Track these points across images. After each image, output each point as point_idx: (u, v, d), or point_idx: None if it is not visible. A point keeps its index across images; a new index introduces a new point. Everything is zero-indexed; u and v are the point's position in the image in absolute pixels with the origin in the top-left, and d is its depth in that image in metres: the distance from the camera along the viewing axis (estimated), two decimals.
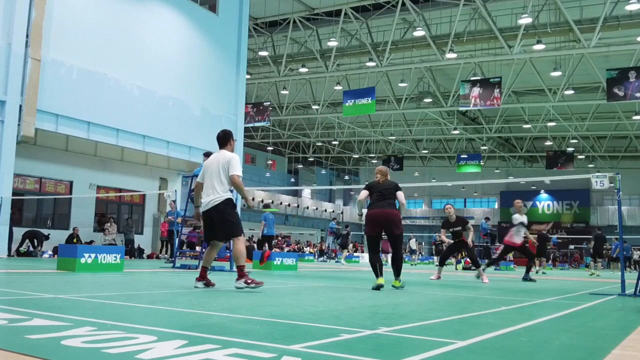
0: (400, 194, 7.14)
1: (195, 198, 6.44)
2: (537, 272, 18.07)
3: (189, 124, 20.43)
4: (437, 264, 11.83)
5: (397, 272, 7.22)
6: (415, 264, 29.30)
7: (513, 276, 15.29)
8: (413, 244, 31.93)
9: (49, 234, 17.46)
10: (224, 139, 6.32)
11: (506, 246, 12.05)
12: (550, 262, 24.41)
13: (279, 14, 26.86)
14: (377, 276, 6.92)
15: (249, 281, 5.82)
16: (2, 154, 15.00)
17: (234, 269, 11.07)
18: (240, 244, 6.02)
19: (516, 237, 11.67)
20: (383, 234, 7.25)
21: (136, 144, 18.81)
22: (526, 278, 11.29)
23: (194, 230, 13.86)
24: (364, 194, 7.24)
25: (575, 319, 4.58)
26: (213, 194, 6.02)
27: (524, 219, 11.73)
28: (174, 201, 16.30)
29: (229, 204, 6.04)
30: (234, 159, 6.08)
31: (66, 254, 9.04)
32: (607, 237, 21.35)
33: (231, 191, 6.20)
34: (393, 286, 7.12)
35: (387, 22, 25.97)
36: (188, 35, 20.95)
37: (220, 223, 6.04)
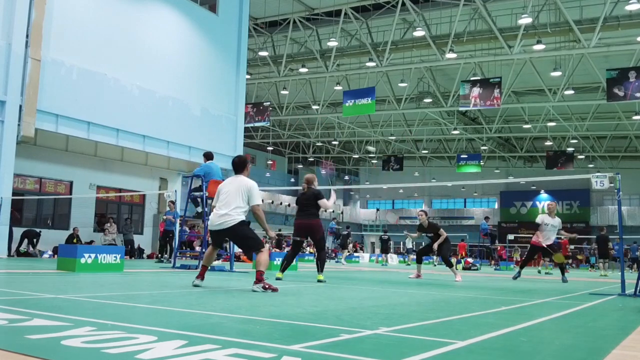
0: (321, 202, 8.44)
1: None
2: (539, 272, 18.11)
3: (189, 124, 20.43)
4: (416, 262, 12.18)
5: (321, 268, 8.60)
6: (410, 264, 29.33)
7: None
8: (409, 242, 31.90)
9: (40, 231, 17.40)
10: (241, 165, 6.41)
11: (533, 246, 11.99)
12: (551, 262, 24.40)
13: (279, 14, 26.85)
14: (281, 270, 8.48)
15: (267, 286, 5.95)
16: (2, 154, 14.99)
17: (234, 269, 11.09)
18: (264, 254, 6.16)
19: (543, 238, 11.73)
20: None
21: (136, 144, 18.81)
22: (564, 280, 11.53)
23: (192, 230, 13.89)
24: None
25: (575, 319, 4.58)
26: (226, 215, 6.09)
27: (554, 221, 11.68)
28: (173, 202, 16.31)
29: (243, 224, 6.16)
30: (254, 189, 6.18)
31: (66, 254, 9.04)
32: (611, 237, 21.31)
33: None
34: (318, 280, 8.29)
35: (387, 22, 25.96)
36: (188, 35, 20.95)
37: (242, 242, 6.44)
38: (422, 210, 11.84)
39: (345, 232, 25.60)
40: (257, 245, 6.17)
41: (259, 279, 6.02)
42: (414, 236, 12.16)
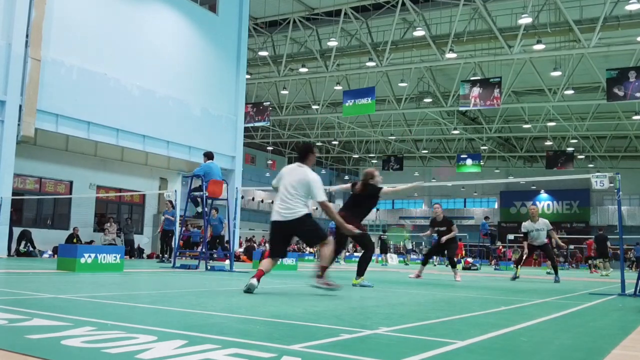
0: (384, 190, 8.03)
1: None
2: (548, 273, 18.07)
3: (189, 124, 20.44)
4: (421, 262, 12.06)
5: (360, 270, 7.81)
6: (409, 263, 29.37)
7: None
8: (408, 243, 32.01)
9: (29, 231, 17.37)
10: (303, 152, 6.06)
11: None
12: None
13: (279, 14, 26.85)
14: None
15: (330, 283, 5.80)
16: (2, 154, 15.00)
17: (234, 269, 11.08)
18: (327, 248, 5.86)
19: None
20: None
21: (136, 144, 18.81)
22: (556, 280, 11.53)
23: (188, 230, 13.86)
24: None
25: (575, 319, 4.58)
26: (290, 207, 5.72)
27: (538, 225, 11.80)
28: (171, 201, 16.33)
29: (309, 215, 5.79)
30: (316, 183, 5.74)
31: (66, 254, 9.04)
32: (611, 237, 21.32)
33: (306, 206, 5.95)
34: (354, 284, 7.65)
35: (387, 22, 25.96)
36: (188, 35, 20.95)
37: (305, 234, 5.97)
38: (438, 203, 11.71)
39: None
40: (321, 236, 5.86)
41: (321, 275, 5.79)
42: (427, 234, 11.91)
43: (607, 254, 19.96)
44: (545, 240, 11.85)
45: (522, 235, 12.20)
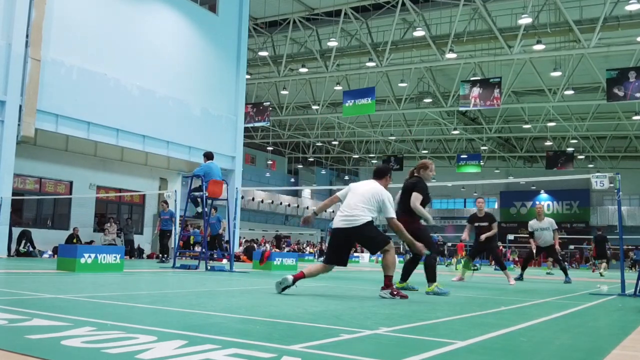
0: (413, 196, 6.85)
1: (322, 207, 6.40)
2: (547, 273, 18.10)
3: (189, 124, 20.44)
4: (462, 265, 11.33)
5: (428, 277, 6.78)
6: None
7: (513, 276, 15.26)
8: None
9: (29, 231, 17.39)
10: (381, 174, 6.03)
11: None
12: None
13: (279, 14, 26.85)
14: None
15: (395, 293, 5.65)
16: (2, 154, 15.00)
17: (234, 269, 11.08)
18: (389, 255, 5.76)
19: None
20: None
21: (136, 144, 18.81)
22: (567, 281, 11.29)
23: (186, 229, 13.86)
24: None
25: (575, 319, 4.58)
26: (353, 215, 5.68)
27: (543, 224, 11.68)
28: (165, 202, 16.37)
29: (370, 223, 5.73)
30: (389, 200, 5.73)
31: (66, 254, 9.04)
32: (610, 237, 21.31)
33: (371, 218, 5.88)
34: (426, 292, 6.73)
35: (387, 22, 25.96)
36: (188, 35, 20.95)
37: (366, 242, 5.91)
38: (481, 198, 11.13)
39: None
40: (382, 243, 5.71)
41: (387, 284, 5.67)
42: (466, 235, 10.94)
43: (606, 254, 19.97)
44: (551, 241, 11.60)
45: (528, 234, 11.94)
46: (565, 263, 22.17)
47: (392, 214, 5.74)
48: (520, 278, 11.60)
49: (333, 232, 5.86)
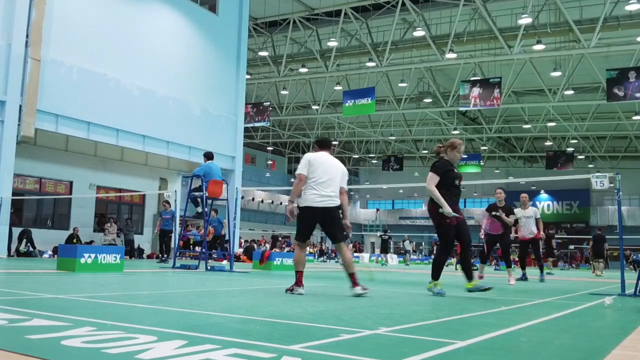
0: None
1: (295, 191, 5.88)
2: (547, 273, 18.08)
3: (189, 124, 20.44)
4: (480, 263, 11.34)
5: (467, 274, 6.45)
6: (409, 264, 29.39)
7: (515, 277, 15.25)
8: (407, 244, 32.12)
9: (29, 230, 17.42)
10: (328, 144, 6.20)
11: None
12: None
13: (279, 14, 26.85)
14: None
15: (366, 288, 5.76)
16: (2, 154, 15.00)
17: (234, 269, 11.08)
18: (349, 252, 5.87)
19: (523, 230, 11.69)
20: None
21: (136, 144, 18.81)
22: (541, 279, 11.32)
23: (187, 229, 13.87)
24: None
25: (575, 319, 4.58)
26: (330, 195, 5.79)
27: (527, 212, 11.72)
28: (167, 201, 16.36)
29: (339, 209, 5.88)
30: (346, 175, 6.04)
31: (66, 254, 9.04)
32: (607, 237, 21.31)
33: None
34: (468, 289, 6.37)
35: (387, 22, 25.96)
36: (188, 35, 20.95)
37: (334, 227, 5.86)
38: (501, 188, 10.89)
39: None
40: (344, 236, 5.91)
41: (355, 280, 5.75)
42: (483, 233, 10.72)
43: (603, 253, 19.99)
44: (535, 232, 11.61)
45: (514, 221, 12.06)
46: (566, 263, 22.19)
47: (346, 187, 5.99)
48: (523, 278, 11.40)
49: (310, 210, 5.76)
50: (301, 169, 5.85)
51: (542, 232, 12.04)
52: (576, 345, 3.18)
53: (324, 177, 5.80)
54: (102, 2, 18.06)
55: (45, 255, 17.08)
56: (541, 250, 12.46)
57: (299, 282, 5.80)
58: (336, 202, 5.84)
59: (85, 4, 17.48)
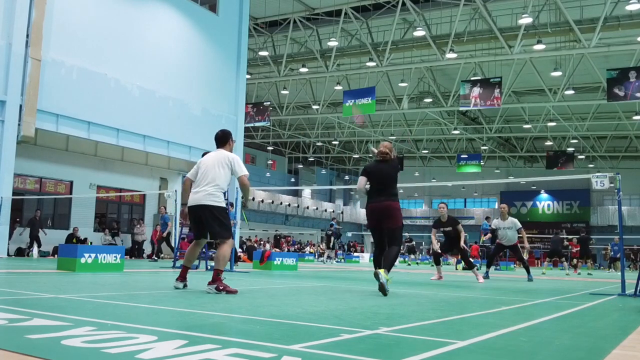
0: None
1: (183, 195, 5.97)
2: (543, 273, 18.10)
3: (189, 124, 20.44)
4: (433, 264, 11.96)
5: (388, 265, 6.35)
6: (410, 264, 29.39)
7: (513, 276, 15.30)
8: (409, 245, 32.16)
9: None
10: (223, 139, 6.02)
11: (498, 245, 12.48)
12: (551, 262, 24.36)
13: (279, 14, 26.85)
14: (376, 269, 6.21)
15: (221, 287, 5.49)
16: (2, 154, 15.01)
17: (234, 269, 11.10)
18: (226, 247, 5.70)
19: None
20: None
21: (136, 144, 18.82)
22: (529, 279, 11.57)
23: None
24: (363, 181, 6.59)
25: (575, 319, 4.58)
26: (205, 192, 5.69)
27: (506, 223, 12.06)
28: (165, 207, 16.46)
29: (221, 204, 5.78)
30: (238, 159, 5.82)
31: (66, 254, 9.05)
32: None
33: (223, 193, 5.94)
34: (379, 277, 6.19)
35: (387, 22, 25.96)
36: (188, 35, 20.95)
37: (212, 222, 5.69)
38: (443, 203, 11.22)
39: (330, 232, 25.64)
40: (226, 233, 5.70)
41: (216, 278, 5.55)
42: (434, 244, 11.23)
43: (589, 253, 20.11)
44: (515, 240, 12.04)
45: (491, 231, 12.71)
46: (566, 263, 22.18)
47: (245, 171, 5.82)
48: (486, 276, 11.94)
49: (190, 210, 5.81)
50: (189, 173, 6.03)
51: (526, 243, 12.43)
52: (576, 345, 3.18)
53: (200, 175, 5.84)
54: (103, 2, 18.06)
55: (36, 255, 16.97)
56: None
57: (180, 276, 5.91)
58: (212, 197, 5.69)
59: (85, 4, 17.48)
